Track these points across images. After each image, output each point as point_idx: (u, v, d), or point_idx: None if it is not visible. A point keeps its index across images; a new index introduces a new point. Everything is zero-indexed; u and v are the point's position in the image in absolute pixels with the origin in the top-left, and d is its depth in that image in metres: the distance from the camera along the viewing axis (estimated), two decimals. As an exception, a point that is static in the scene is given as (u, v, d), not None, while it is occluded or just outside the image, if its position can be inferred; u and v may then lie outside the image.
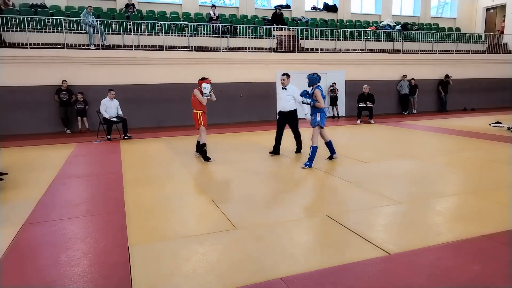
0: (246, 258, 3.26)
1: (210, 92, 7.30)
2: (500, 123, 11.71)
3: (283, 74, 7.71)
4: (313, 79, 6.73)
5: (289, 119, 7.82)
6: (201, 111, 7.43)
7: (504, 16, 19.65)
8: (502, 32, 19.56)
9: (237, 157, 7.73)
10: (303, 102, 6.84)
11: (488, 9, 20.80)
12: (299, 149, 8.06)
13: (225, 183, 6.00)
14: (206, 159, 7.45)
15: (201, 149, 7.50)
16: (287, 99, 7.62)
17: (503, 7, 19.67)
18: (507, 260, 3.15)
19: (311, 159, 6.70)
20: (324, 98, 6.83)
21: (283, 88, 7.73)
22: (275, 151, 7.95)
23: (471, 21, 21.17)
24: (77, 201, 5.06)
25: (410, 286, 2.78)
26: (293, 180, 6.11)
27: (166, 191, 5.45)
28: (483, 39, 19.03)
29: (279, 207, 4.66)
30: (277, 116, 8.16)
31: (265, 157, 7.75)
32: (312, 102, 6.64)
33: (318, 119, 6.66)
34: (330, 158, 7.18)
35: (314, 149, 6.69)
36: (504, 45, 19.09)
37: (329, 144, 7.09)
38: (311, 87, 6.79)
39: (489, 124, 11.89)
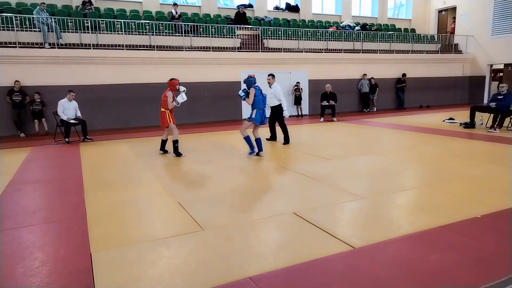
0: (214, 259, 3.24)
1: (179, 102, 7.58)
2: (453, 119, 12.39)
3: (269, 75, 8.73)
4: (249, 82, 7.47)
5: (276, 113, 8.84)
6: (169, 110, 7.64)
7: (454, 17, 20.80)
8: (452, 33, 20.69)
9: (202, 157, 7.65)
10: (239, 95, 7.58)
11: (440, 11, 21.92)
12: (286, 140, 8.88)
13: (191, 184, 5.92)
14: (178, 154, 7.70)
15: (173, 145, 7.72)
16: (270, 96, 8.52)
17: (453, 9, 20.81)
18: (461, 249, 3.33)
19: (251, 147, 7.58)
20: (262, 96, 7.52)
21: (270, 87, 8.60)
22: (272, 138, 9.30)
23: (424, 23, 22.23)
24: (34, 207, 4.80)
25: (374, 278, 2.88)
26: (258, 179, 6.13)
27: (130, 194, 5.29)
28: (436, 40, 20.03)
29: (245, 206, 4.66)
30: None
31: (231, 156, 7.73)
32: (243, 97, 7.41)
33: (253, 116, 7.37)
34: (257, 154, 7.57)
35: (247, 139, 7.53)
36: (455, 45, 20.22)
37: (258, 141, 7.56)
38: (250, 88, 7.46)
39: (443, 120, 12.54)
